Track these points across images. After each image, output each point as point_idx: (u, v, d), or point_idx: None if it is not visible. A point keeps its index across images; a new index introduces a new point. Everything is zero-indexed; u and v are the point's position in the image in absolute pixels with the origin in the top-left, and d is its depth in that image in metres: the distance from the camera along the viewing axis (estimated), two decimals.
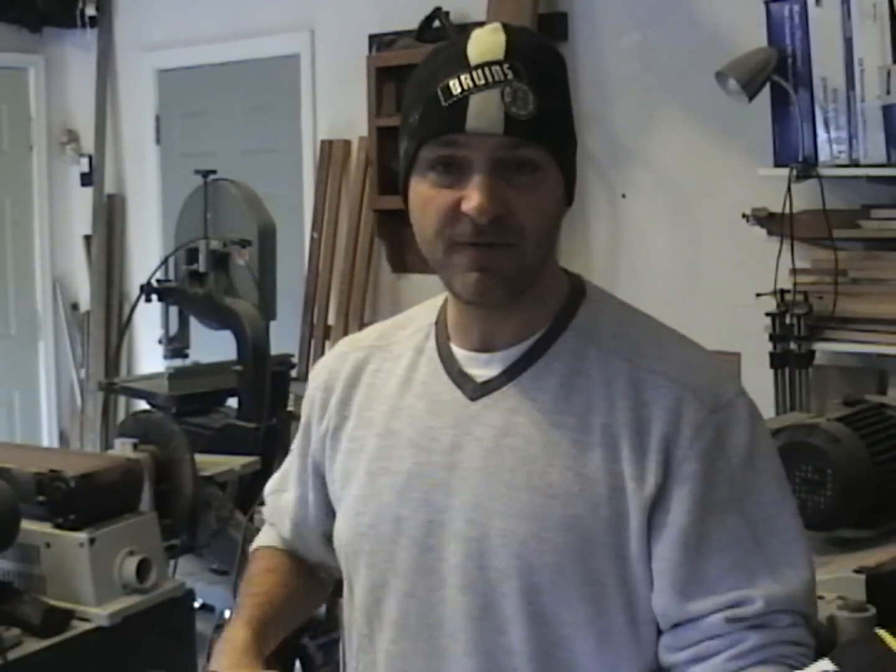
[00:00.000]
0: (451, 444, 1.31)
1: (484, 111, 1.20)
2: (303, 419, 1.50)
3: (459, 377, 1.33)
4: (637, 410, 1.26)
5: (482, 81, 1.20)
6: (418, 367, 1.37)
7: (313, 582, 1.56)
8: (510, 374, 1.30)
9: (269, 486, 1.61)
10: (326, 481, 1.44)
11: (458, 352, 1.34)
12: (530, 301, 1.29)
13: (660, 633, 1.27)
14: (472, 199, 1.21)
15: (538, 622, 1.25)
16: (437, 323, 1.38)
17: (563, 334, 1.31)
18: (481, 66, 1.21)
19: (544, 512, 1.25)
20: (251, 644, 1.38)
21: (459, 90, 1.21)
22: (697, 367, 1.31)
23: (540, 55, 1.26)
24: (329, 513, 1.45)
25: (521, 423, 1.28)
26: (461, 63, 1.22)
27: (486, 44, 1.23)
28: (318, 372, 1.48)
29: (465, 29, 4.19)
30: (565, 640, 1.26)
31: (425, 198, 1.25)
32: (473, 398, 1.31)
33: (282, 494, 1.56)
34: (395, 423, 1.35)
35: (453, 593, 1.28)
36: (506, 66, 1.21)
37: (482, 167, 1.21)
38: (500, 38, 1.23)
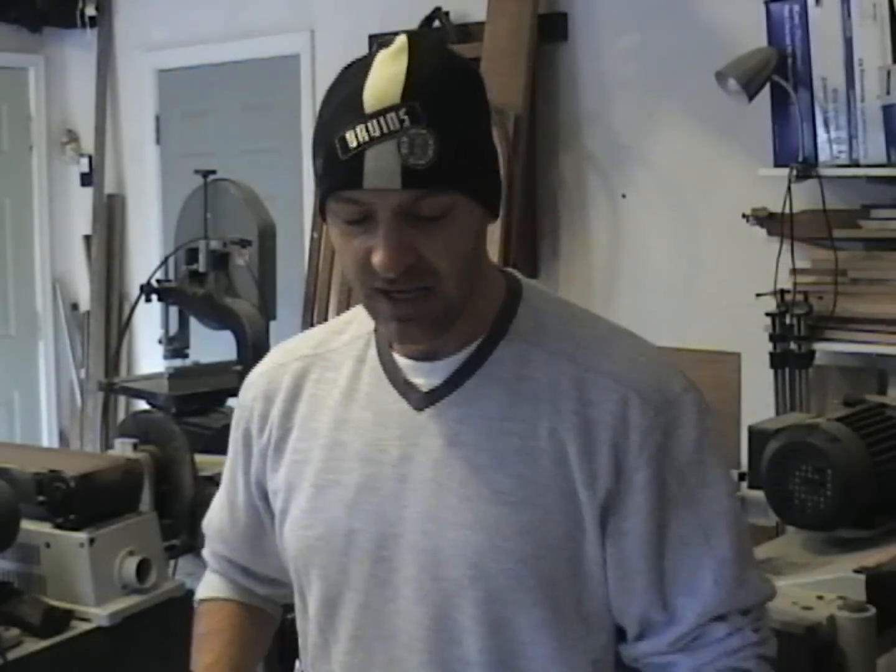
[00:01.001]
0: (399, 455, 1.29)
1: (381, 167, 1.15)
2: (236, 434, 1.46)
3: (404, 387, 1.31)
4: (583, 413, 1.24)
5: (377, 133, 1.15)
6: (361, 377, 1.34)
7: (263, 621, 1.55)
8: (454, 382, 1.28)
9: (207, 518, 1.56)
10: (268, 493, 1.41)
11: (401, 360, 1.31)
12: (467, 311, 1.26)
13: (619, 630, 1.30)
14: (378, 255, 1.17)
15: (494, 630, 1.25)
16: (377, 330, 1.35)
17: (505, 338, 1.29)
18: (376, 115, 1.15)
19: (497, 520, 1.24)
20: None
21: (355, 143, 1.15)
22: (642, 364, 1.29)
23: (445, 84, 1.19)
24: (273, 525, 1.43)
25: (469, 431, 1.27)
26: (357, 111, 1.16)
27: (382, 83, 1.16)
28: (254, 382, 1.44)
29: (466, 29, 4.24)
30: (522, 646, 1.26)
31: (339, 243, 1.23)
32: (419, 408, 1.29)
33: (218, 519, 1.52)
34: (341, 435, 1.33)
35: (408, 604, 1.27)
36: (402, 111, 1.15)
37: (386, 222, 1.17)
38: (400, 71, 1.17)
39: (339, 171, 1.17)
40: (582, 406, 1.24)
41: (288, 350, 1.44)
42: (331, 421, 1.34)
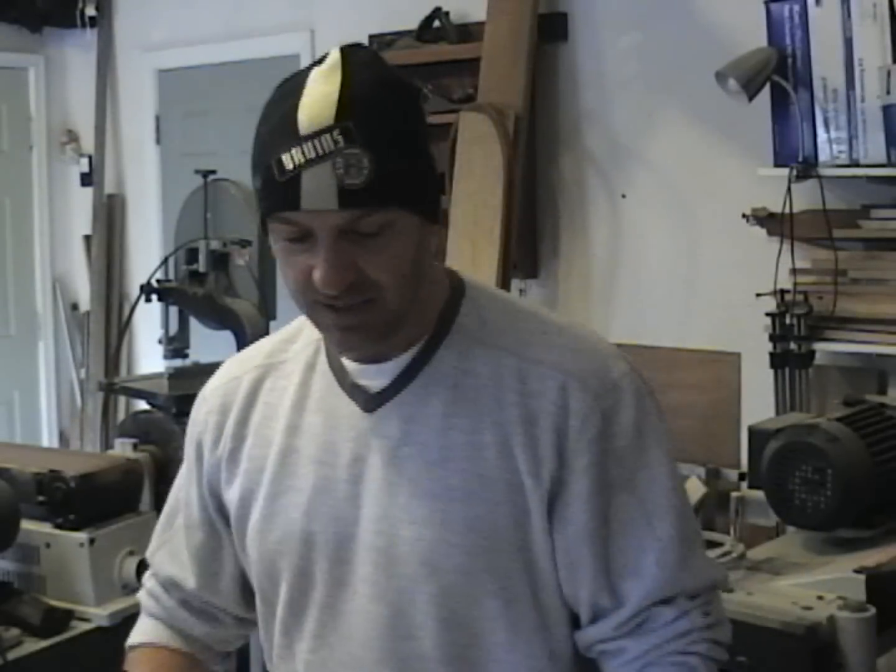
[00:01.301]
0: (352, 457, 1.31)
1: (317, 188, 1.16)
2: (189, 449, 1.47)
3: (353, 390, 1.33)
4: (525, 404, 1.27)
5: (312, 155, 1.16)
6: (311, 384, 1.36)
7: (194, 669, 1.51)
8: (401, 382, 1.30)
9: (152, 547, 1.54)
10: (224, 503, 1.42)
11: (349, 364, 1.33)
12: (411, 315, 1.28)
13: (573, 617, 1.31)
14: (319, 273, 1.19)
15: (448, 624, 1.28)
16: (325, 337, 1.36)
17: (448, 336, 1.31)
18: (310, 136, 1.16)
19: (447, 516, 1.26)
20: None
21: (291, 166, 1.17)
22: (582, 351, 1.31)
23: (377, 101, 1.20)
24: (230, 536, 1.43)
25: (417, 430, 1.29)
26: (292, 133, 1.17)
27: (316, 103, 1.18)
28: (208, 398, 1.45)
29: (466, 29, 4.24)
30: (477, 638, 1.28)
31: (281, 260, 1.25)
32: (369, 410, 1.31)
33: (167, 544, 1.51)
34: (294, 441, 1.35)
35: (364, 603, 1.30)
36: (336, 132, 1.16)
37: (325, 241, 1.19)
38: (333, 90, 1.18)
39: (276, 193, 1.19)
40: (524, 397, 1.27)
41: (242, 361, 1.46)
42: (284, 427, 1.36)
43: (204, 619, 1.50)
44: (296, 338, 1.42)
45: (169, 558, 1.50)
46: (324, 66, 1.21)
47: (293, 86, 1.22)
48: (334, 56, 1.21)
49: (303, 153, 1.17)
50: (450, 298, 1.33)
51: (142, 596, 1.55)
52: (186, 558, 1.48)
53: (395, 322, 1.26)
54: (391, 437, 1.30)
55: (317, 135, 1.16)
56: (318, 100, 1.18)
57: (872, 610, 1.98)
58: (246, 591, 1.46)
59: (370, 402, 1.31)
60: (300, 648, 1.36)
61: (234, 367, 1.45)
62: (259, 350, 1.45)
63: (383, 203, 1.19)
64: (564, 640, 1.32)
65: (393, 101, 1.22)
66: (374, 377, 1.31)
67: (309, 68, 1.23)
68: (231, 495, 1.40)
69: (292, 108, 1.19)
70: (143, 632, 1.52)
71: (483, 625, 1.28)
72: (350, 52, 1.22)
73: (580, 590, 1.29)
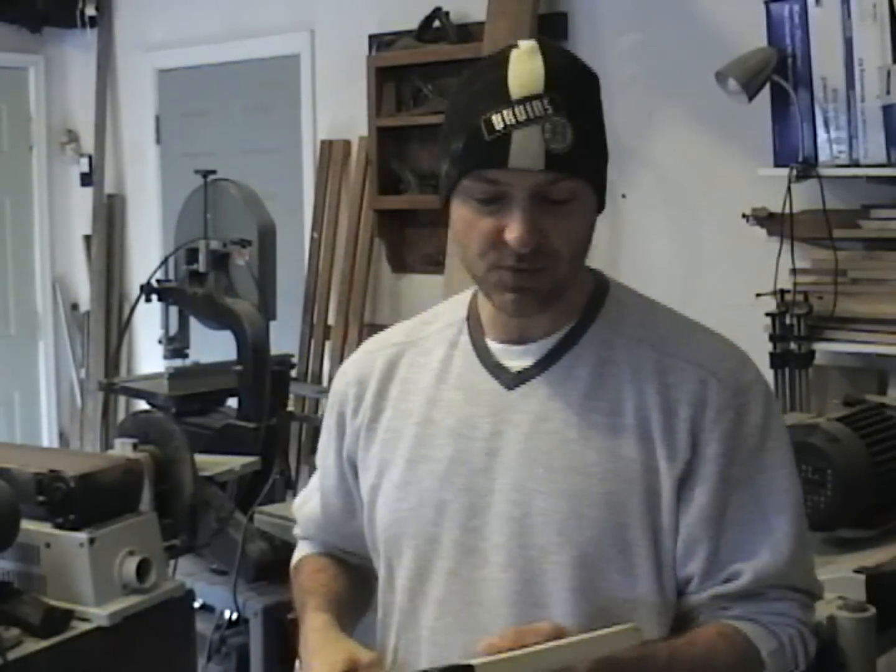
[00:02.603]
0: (490, 431, 1.38)
1: (525, 148, 1.26)
2: (330, 419, 1.54)
3: (495, 368, 1.41)
4: (665, 393, 1.35)
5: (524, 117, 1.26)
6: (453, 361, 1.44)
7: (360, 575, 1.60)
8: (545, 363, 1.39)
9: (299, 501, 1.65)
10: (359, 472, 1.49)
11: (493, 345, 1.42)
12: (561, 299, 1.37)
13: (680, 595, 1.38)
14: (514, 231, 1.28)
15: (577, 594, 1.33)
16: (468, 318, 1.46)
17: (593, 325, 1.40)
18: (522, 101, 1.26)
19: (583, 490, 1.33)
20: (332, 622, 1.43)
21: (502, 126, 1.26)
22: (720, 352, 1.40)
23: (577, 81, 1.32)
24: (363, 503, 1.50)
25: (558, 408, 1.36)
26: (502, 96, 1.27)
27: (525, 74, 1.28)
28: (349, 369, 1.54)
29: (466, 29, 4.24)
30: (600, 611, 1.33)
31: (468, 221, 1.32)
32: (510, 387, 1.39)
33: (309, 502, 1.61)
34: (433, 413, 1.43)
35: (495, 571, 1.36)
36: (545, 100, 1.26)
37: (523, 201, 1.28)
38: (539, 65, 1.28)
39: (482, 151, 1.28)
40: (664, 388, 1.35)
41: (380, 339, 1.55)
42: (423, 401, 1.44)
43: (352, 556, 1.59)
44: (435, 320, 1.51)
45: (309, 520, 1.61)
46: (522, 49, 1.30)
47: (494, 62, 1.31)
48: (530, 42, 1.31)
49: (514, 115, 1.26)
50: (594, 291, 1.43)
51: (296, 531, 1.67)
52: (325, 522, 1.58)
53: (559, 292, 1.35)
54: (531, 413, 1.37)
55: (528, 100, 1.26)
56: (526, 72, 1.28)
57: (872, 610, 1.98)
58: None
59: (512, 380, 1.40)
60: (425, 615, 1.41)
61: (371, 344, 1.55)
62: (398, 329, 1.54)
63: (579, 172, 1.29)
64: (677, 623, 1.37)
65: (587, 84, 1.35)
66: (519, 357, 1.40)
67: (503, 50, 1.31)
68: (367, 463, 1.47)
69: (501, 77, 1.28)
70: (303, 550, 1.63)
71: (609, 597, 1.34)
72: (541, 40, 1.32)
73: (692, 568, 1.35)
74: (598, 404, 1.36)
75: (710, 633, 1.34)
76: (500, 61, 1.30)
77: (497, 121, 1.26)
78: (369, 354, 1.52)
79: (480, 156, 1.28)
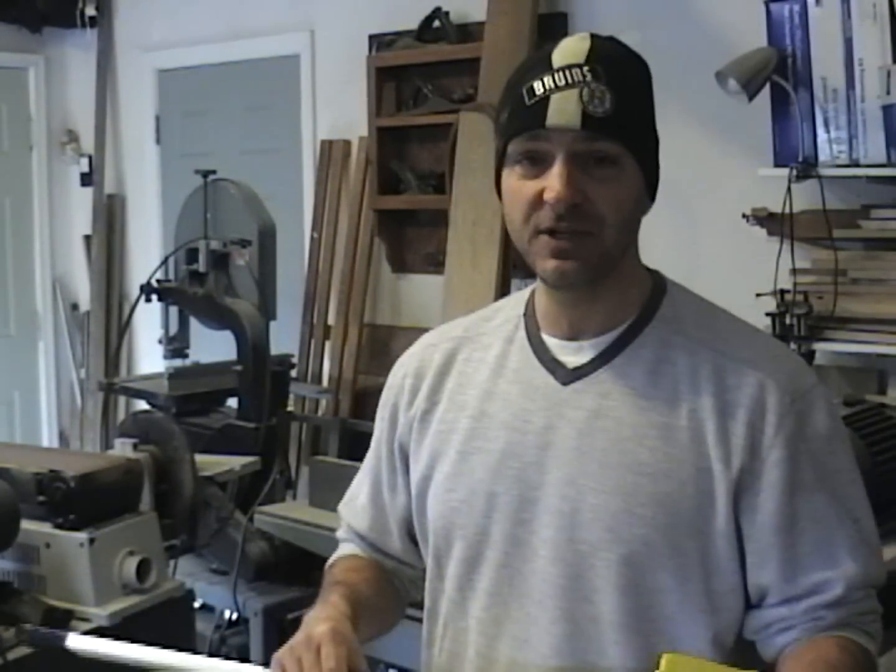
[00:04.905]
0: (544, 425, 1.39)
1: (563, 108, 1.29)
2: (384, 412, 1.56)
3: (551, 364, 1.42)
4: (722, 396, 1.34)
5: (563, 82, 1.30)
6: (509, 356, 1.45)
7: (392, 588, 1.59)
8: (601, 360, 1.39)
9: (346, 499, 1.64)
10: (410, 463, 1.50)
11: (549, 340, 1.43)
12: (615, 292, 1.39)
13: (748, 604, 1.36)
14: (551, 187, 1.30)
15: (624, 591, 1.33)
16: (525, 314, 1.47)
17: (650, 324, 1.40)
18: (563, 68, 1.31)
19: (634, 488, 1.33)
20: (347, 609, 1.41)
21: (542, 90, 1.31)
22: (778, 356, 1.40)
23: (622, 60, 1.36)
24: (411, 497, 1.51)
25: (613, 406, 1.37)
26: (545, 66, 1.32)
27: (569, 49, 1.33)
28: (407, 361, 1.55)
29: (466, 29, 4.24)
30: (649, 610, 1.34)
31: (513, 189, 1.35)
32: (565, 383, 1.40)
33: (356, 499, 1.61)
34: (488, 406, 1.43)
35: (544, 564, 1.37)
36: (585, 68, 1.31)
37: (561, 159, 1.30)
38: (585, 44, 1.33)
39: (523, 115, 1.32)
40: (721, 390, 1.35)
41: (439, 333, 1.56)
42: (478, 394, 1.45)
43: (390, 560, 1.58)
44: (494, 316, 1.52)
45: (358, 513, 1.60)
46: (575, 35, 1.36)
47: (547, 47, 1.36)
48: (584, 33, 1.37)
49: (553, 81, 1.31)
50: (652, 291, 1.44)
51: (339, 534, 1.65)
52: (375, 513, 1.57)
53: (607, 263, 1.35)
54: (586, 409, 1.38)
55: (568, 67, 1.31)
56: (572, 47, 1.33)
57: None
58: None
59: (568, 375, 1.40)
60: (473, 606, 1.42)
61: (431, 337, 1.56)
62: (457, 324, 1.56)
63: (617, 136, 1.31)
64: (728, 628, 1.36)
65: (633, 65, 1.39)
66: (574, 353, 1.41)
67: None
68: (419, 455, 1.48)
69: (547, 53, 1.34)
70: (343, 551, 1.62)
71: (655, 597, 1.33)
72: (593, 33, 1.37)
73: (767, 576, 1.34)
74: (653, 403, 1.36)
75: (836, 653, 1.31)
76: (551, 45, 1.35)
77: (538, 86, 1.31)
78: (429, 348, 1.53)
79: (521, 119, 1.32)
